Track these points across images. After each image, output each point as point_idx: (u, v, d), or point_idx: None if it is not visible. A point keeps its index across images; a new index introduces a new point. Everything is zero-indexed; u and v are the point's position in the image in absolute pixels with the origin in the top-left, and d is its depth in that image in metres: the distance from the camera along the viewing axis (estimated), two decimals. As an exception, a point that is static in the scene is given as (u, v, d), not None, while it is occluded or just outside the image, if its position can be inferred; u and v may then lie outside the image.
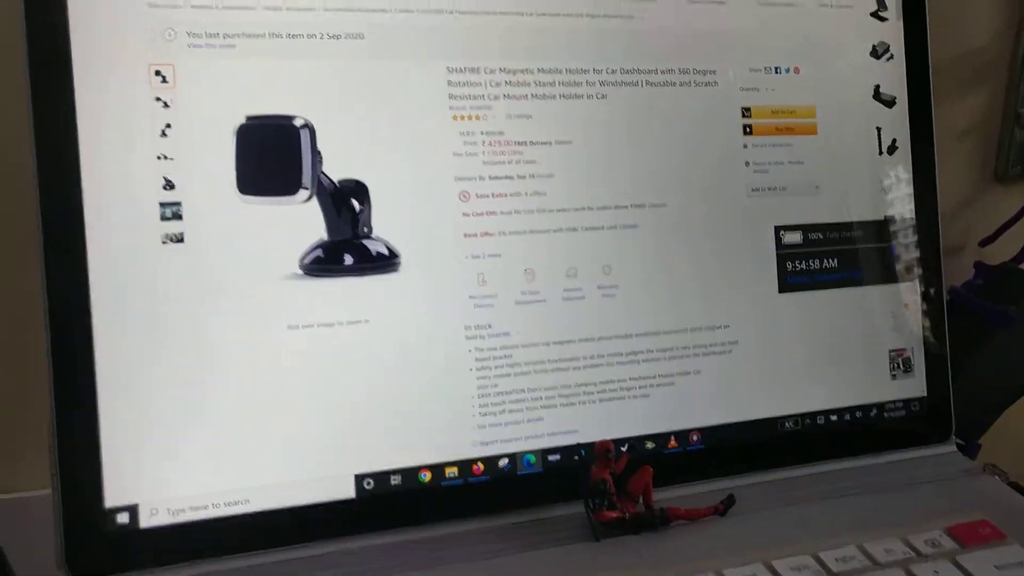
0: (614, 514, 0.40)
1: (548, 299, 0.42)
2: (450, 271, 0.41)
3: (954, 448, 0.49)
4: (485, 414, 0.41)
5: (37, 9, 0.36)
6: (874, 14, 0.48)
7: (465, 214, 0.41)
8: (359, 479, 0.40)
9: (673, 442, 0.44)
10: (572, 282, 0.43)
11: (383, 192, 0.40)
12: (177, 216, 0.37)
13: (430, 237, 0.41)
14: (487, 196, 0.41)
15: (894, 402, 0.48)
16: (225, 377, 0.38)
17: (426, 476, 0.41)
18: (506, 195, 0.42)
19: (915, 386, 0.49)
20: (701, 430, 0.45)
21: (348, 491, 0.40)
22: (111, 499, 0.36)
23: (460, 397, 0.41)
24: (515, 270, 0.42)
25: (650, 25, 0.44)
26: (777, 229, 0.46)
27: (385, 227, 0.40)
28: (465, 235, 0.41)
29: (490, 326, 0.41)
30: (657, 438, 0.44)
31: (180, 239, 0.37)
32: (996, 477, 0.46)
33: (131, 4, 0.37)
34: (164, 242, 0.37)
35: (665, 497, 0.43)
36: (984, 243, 0.63)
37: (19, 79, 0.35)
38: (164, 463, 0.37)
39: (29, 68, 0.35)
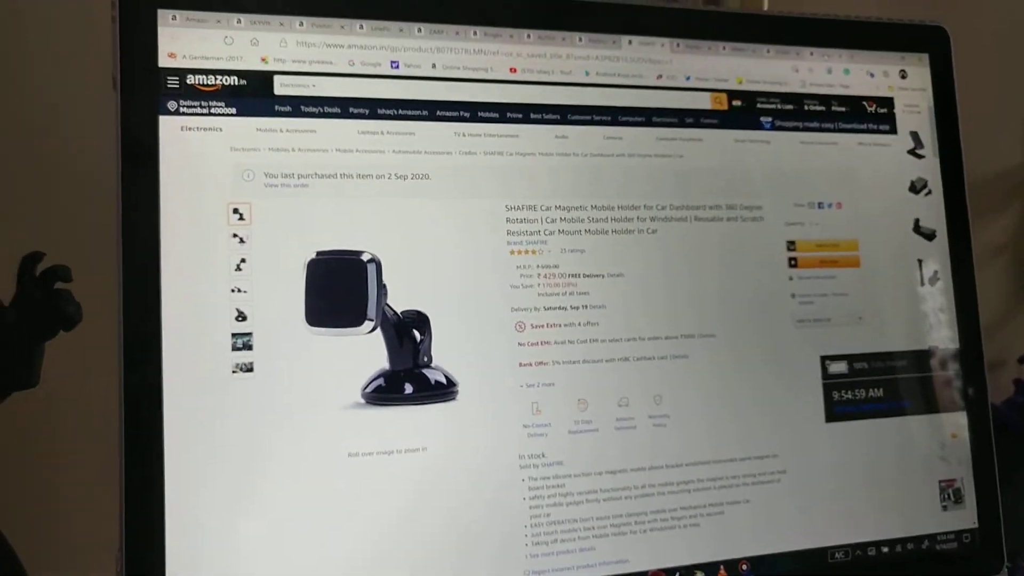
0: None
1: (600, 428, 0.43)
2: (505, 400, 0.42)
3: (1007, 578, 0.49)
4: (537, 543, 0.41)
5: (130, 145, 0.38)
6: (911, 151, 0.50)
7: (520, 344, 0.42)
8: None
9: (723, 572, 0.44)
10: (624, 411, 0.43)
11: (444, 323, 0.41)
12: (248, 347, 0.39)
13: (487, 366, 0.42)
14: (542, 326, 0.43)
15: (946, 533, 0.48)
16: (285, 502, 0.39)
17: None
18: (560, 325, 0.43)
19: (966, 517, 0.48)
20: (750, 560, 0.45)
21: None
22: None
23: (513, 525, 0.41)
24: (569, 399, 0.43)
25: (698, 164, 0.46)
26: (823, 359, 0.47)
27: (445, 357, 0.41)
28: (520, 364, 0.42)
29: (543, 455, 0.42)
30: (707, 567, 0.44)
31: (250, 368, 0.39)
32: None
33: (214, 146, 0.40)
34: (235, 371, 0.39)
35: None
36: (1023, 360, 0.64)
37: (111, 203, 0.38)
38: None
39: (121, 200, 0.38)
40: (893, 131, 0.50)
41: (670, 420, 0.44)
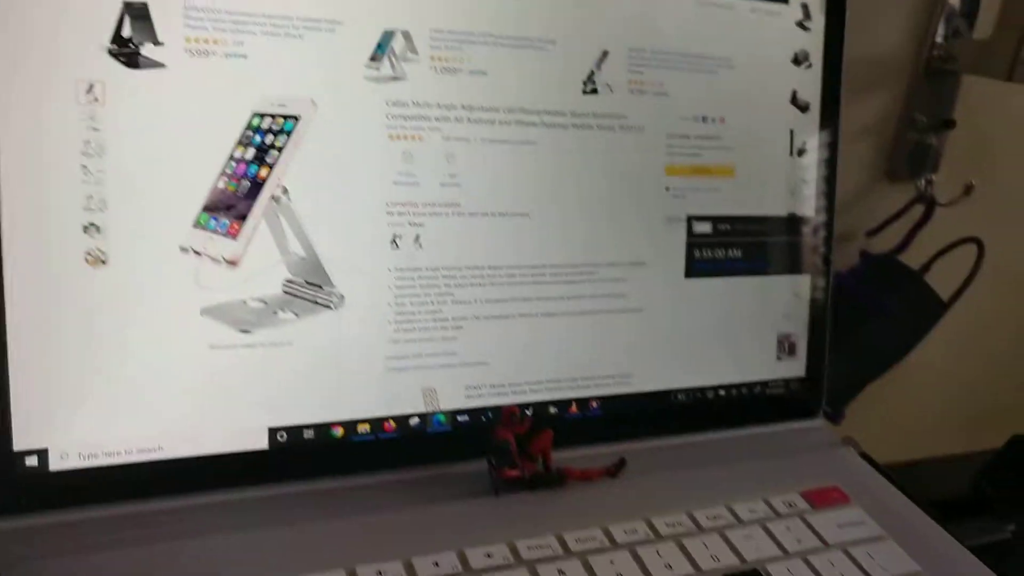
0: (515, 472, 0.43)
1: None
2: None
3: (821, 422, 0.55)
4: (398, 329, 0.44)
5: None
6: (799, 23, 0.51)
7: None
8: (273, 432, 0.42)
9: (574, 408, 0.48)
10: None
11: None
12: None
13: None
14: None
15: (776, 380, 0.53)
16: (139, 323, 0.39)
17: (338, 432, 0.43)
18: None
19: (796, 367, 0.54)
20: (601, 399, 0.49)
21: (261, 443, 0.42)
22: (20, 443, 0.38)
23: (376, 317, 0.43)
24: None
25: None
26: (690, 219, 0.49)
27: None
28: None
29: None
30: (560, 404, 0.48)
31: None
32: (851, 449, 0.52)
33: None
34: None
35: (563, 457, 0.47)
36: (870, 234, 0.69)
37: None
38: (75, 409, 0.39)
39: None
40: (785, 0, 0.50)
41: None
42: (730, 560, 0.41)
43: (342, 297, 0.42)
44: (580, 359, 0.48)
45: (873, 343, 0.66)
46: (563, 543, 0.40)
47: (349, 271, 0.42)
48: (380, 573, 0.37)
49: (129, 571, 0.36)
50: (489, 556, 0.39)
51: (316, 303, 0.42)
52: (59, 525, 0.38)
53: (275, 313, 0.42)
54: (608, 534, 0.41)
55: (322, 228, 0.42)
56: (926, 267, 0.66)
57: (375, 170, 0.43)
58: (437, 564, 0.38)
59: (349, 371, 0.43)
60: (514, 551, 0.39)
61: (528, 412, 0.47)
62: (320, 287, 0.42)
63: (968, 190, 0.63)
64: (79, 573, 0.36)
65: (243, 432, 0.41)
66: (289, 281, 0.42)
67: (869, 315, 0.65)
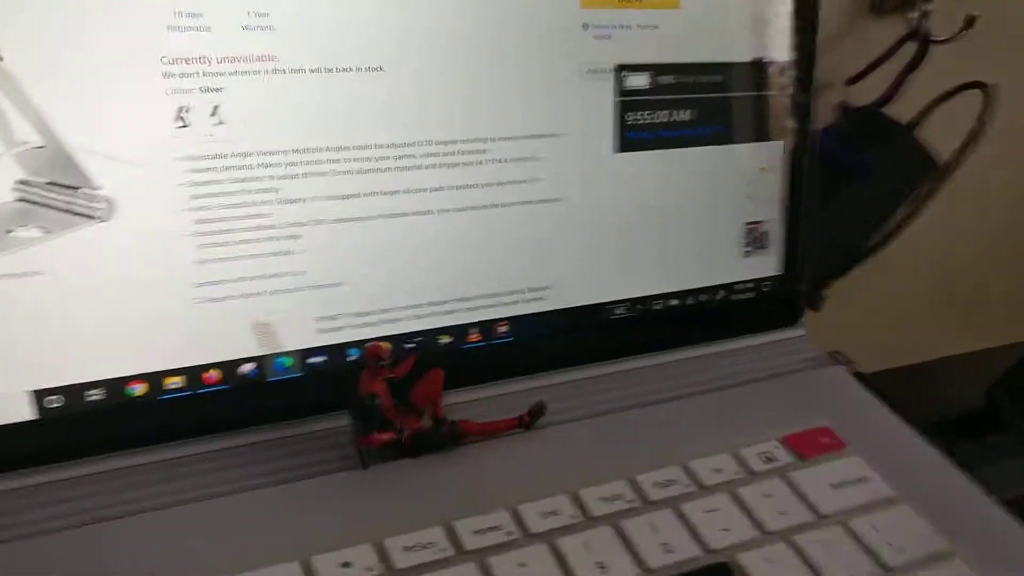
0: (386, 436, 0.31)
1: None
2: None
3: (802, 332, 0.43)
4: (204, 244, 0.31)
5: None
6: None
7: (175, 30, 0.29)
8: (39, 396, 0.29)
9: (476, 335, 0.36)
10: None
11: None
12: None
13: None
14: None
15: (744, 283, 0.41)
16: None
17: (139, 389, 0.31)
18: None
19: (768, 264, 0.42)
20: (509, 320, 0.36)
21: (24, 411, 0.29)
22: None
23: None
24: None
25: None
26: (619, 69, 0.36)
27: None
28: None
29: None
30: (454, 332, 0.36)
31: None
32: (842, 368, 0.41)
33: None
34: None
35: (461, 402, 0.35)
36: (851, 81, 0.55)
37: None
38: None
39: None
40: None
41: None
42: (689, 550, 0.29)
43: (110, 203, 0.29)
44: (478, 270, 0.35)
45: (855, 216, 0.54)
46: (454, 538, 0.28)
47: (116, 164, 0.29)
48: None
49: None
50: (347, 567, 0.27)
51: (71, 212, 0.29)
52: None
53: (8, 231, 0.28)
54: (518, 519, 0.29)
55: (64, 103, 0.28)
56: (918, 121, 0.53)
57: (137, 9, 0.29)
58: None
59: (139, 306, 0.30)
60: (383, 556, 0.28)
61: (410, 346, 0.34)
62: (75, 189, 0.29)
63: (970, 23, 0.50)
64: None
65: (-9, 402, 0.29)
66: (23, 183, 0.28)
67: (850, 182, 0.53)
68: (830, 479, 0.33)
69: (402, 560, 0.28)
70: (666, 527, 0.30)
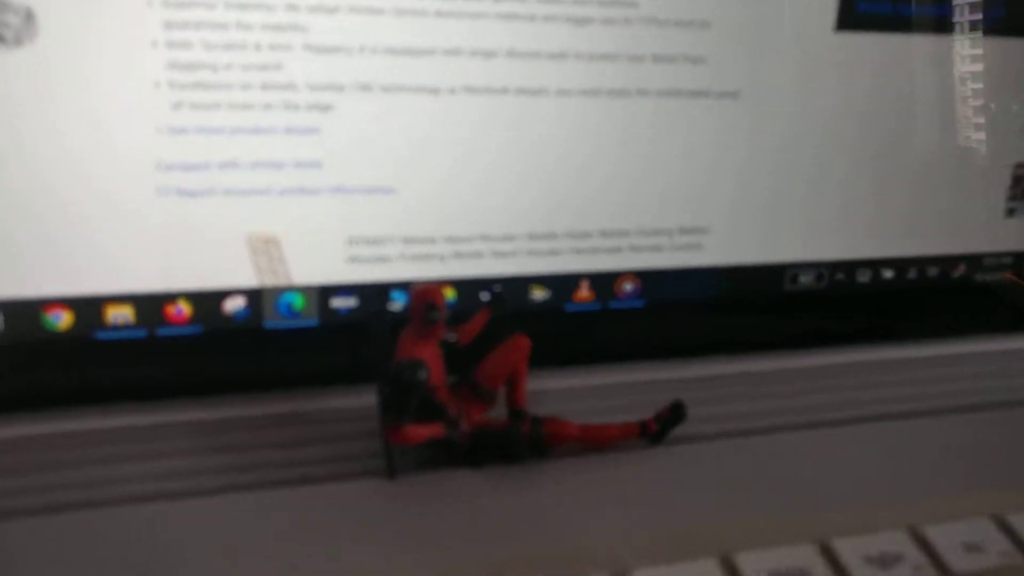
0: (431, 430, 0.20)
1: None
2: None
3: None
4: (180, 102, 0.20)
5: None
6: None
7: None
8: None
9: (588, 292, 0.24)
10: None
11: None
12: None
13: None
14: None
15: (1001, 255, 0.27)
16: None
17: (63, 319, 0.20)
18: None
19: (1041, 231, 0.28)
20: (642, 275, 0.24)
21: None
22: None
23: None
24: None
25: None
26: None
27: None
28: None
29: None
30: (557, 284, 0.23)
31: None
32: None
33: None
34: None
35: (554, 390, 0.23)
36: None
37: None
38: None
39: None
40: None
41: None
42: None
43: (30, 17, 0.19)
44: (601, 192, 0.23)
45: None
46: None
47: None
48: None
49: None
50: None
51: (-28, 34, 0.19)
52: None
53: None
54: (629, 584, 0.17)
55: None
56: None
57: None
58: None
59: (68, 190, 0.20)
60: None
61: (484, 299, 0.23)
62: (-14, -3, 0.19)
63: None
64: None
65: None
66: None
67: None
68: None
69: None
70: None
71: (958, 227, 0.27)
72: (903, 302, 0.27)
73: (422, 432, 0.19)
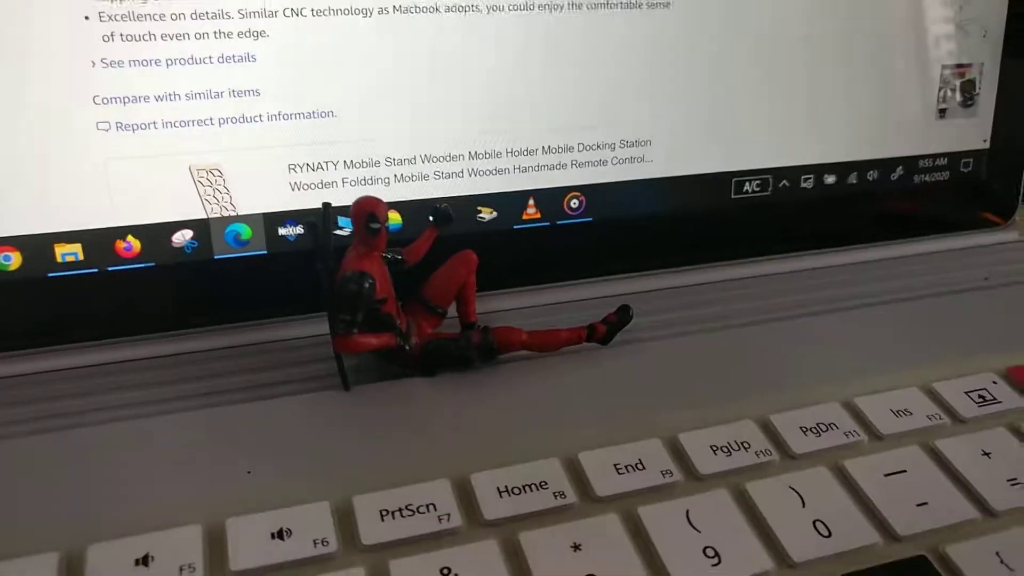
0: (377, 339, 0.20)
1: None
2: None
3: (1017, 235, 0.30)
4: (111, 33, 0.20)
5: None
6: None
7: None
8: None
9: (533, 209, 0.24)
10: None
11: None
12: None
13: None
14: None
15: (934, 156, 0.28)
16: None
17: (12, 260, 0.21)
18: None
19: (974, 131, 0.28)
20: (585, 190, 0.25)
21: None
22: None
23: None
24: None
25: None
26: None
27: None
28: None
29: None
30: (503, 201, 0.24)
31: None
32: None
33: None
34: None
35: (505, 310, 0.24)
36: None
37: None
38: None
39: None
40: None
41: None
42: (859, 535, 0.17)
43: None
44: (543, 105, 0.24)
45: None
46: (467, 501, 0.17)
47: None
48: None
49: None
50: (280, 537, 0.16)
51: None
52: None
53: None
54: (575, 472, 0.18)
55: None
56: None
57: None
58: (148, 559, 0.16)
59: (12, 124, 0.20)
60: (347, 523, 0.17)
61: (430, 219, 0.23)
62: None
63: None
64: None
65: None
66: None
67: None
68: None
69: (372, 534, 0.16)
70: (819, 497, 0.18)
71: (893, 130, 0.27)
72: (841, 205, 0.27)
73: (371, 341, 0.20)
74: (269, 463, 0.18)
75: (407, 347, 0.21)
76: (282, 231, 0.22)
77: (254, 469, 0.18)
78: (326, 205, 0.20)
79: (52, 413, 0.19)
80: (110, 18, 0.20)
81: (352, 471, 0.18)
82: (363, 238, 0.20)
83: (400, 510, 0.17)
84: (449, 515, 0.17)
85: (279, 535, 0.16)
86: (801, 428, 0.20)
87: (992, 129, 0.28)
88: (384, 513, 0.17)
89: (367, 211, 0.20)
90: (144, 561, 0.16)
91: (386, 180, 0.23)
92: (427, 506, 0.17)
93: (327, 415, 0.20)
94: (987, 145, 0.28)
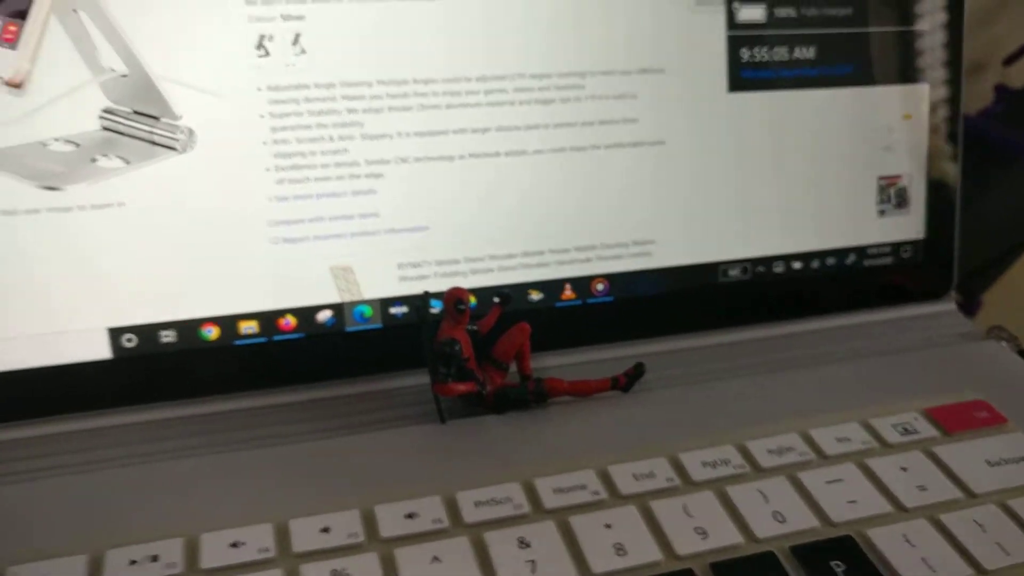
0: (465, 386, 0.29)
1: None
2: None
3: (953, 307, 0.38)
4: (283, 180, 0.29)
5: None
6: None
7: None
8: (115, 334, 0.29)
9: (569, 292, 0.33)
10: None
11: None
12: None
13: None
14: None
15: (879, 246, 0.36)
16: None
17: (212, 332, 0.30)
18: None
19: (910, 226, 0.37)
20: (608, 278, 0.33)
21: (101, 350, 0.29)
22: None
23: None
24: None
25: None
26: (729, 1, 0.33)
27: None
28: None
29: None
30: (546, 287, 0.33)
31: None
32: (1003, 344, 0.35)
33: None
34: None
35: (552, 366, 0.32)
36: (1009, 61, 0.49)
37: None
38: None
39: None
40: None
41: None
42: (804, 520, 0.25)
43: (191, 133, 0.28)
44: (574, 219, 0.32)
45: (1013, 204, 0.48)
46: (533, 496, 0.25)
47: (198, 94, 0.28)
48: (237, 544, 0.24)
49: None
50: (411, 517, 0.25)
51: (153, 143, 0.28)
52: None
53: (93, 160, 0.28)
54: (607, 479, 0.26)
55: (148, 28, 0.28)
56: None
57: (222, -67, 0.28)
58: (327, 530, 0.24)
59: (216, 244, 0.29)
60: (452, 509, 0.25)
61: (495, 300, 0.32)
62: (156, 119, 0.28)
63: None
64: None
65: (72, 336, 0.28)
66: (108, 112, 0.28)
67: (1009, 165, 0.47)
68: (986, 455, 0.28)
69: (472, 514, 0.25)
70: (779, 496, 0.26)
71: (845, 226, 0.36)
72: (806, 286, 0.36)
73: (459, 387, 0.29)
74: (392, 470, 0.27)
75: (483, 393, 0.29)
76: (393, 310, 0.31)
77: (385, 474, 0.26)
78: (426, 293, 0.29)
79: (248, 438, 0.28)
80: (283, 169, 0.29)
81: (452, 475, 0.26)
82: (452, 315, 0.29)
83: (487, 501, 0.25)
84: (521, 505, 0.25)
85: (409, 516, 0.25)
86: (768, 449, 0.28)
87: (925, 223, 0.37)
88: (478, 503, 0.25)
89: (455, 297, 0.29)
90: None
91: (464, 273, 0.32)
92: (505, 499, 0.25)
93: (431, 439, 0.28)
94: (923, 236, 0.37)
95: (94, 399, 0.29)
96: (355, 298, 0.31)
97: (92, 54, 0.27)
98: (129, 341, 0.29)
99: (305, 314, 0.30)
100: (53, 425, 0.29)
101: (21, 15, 0.27)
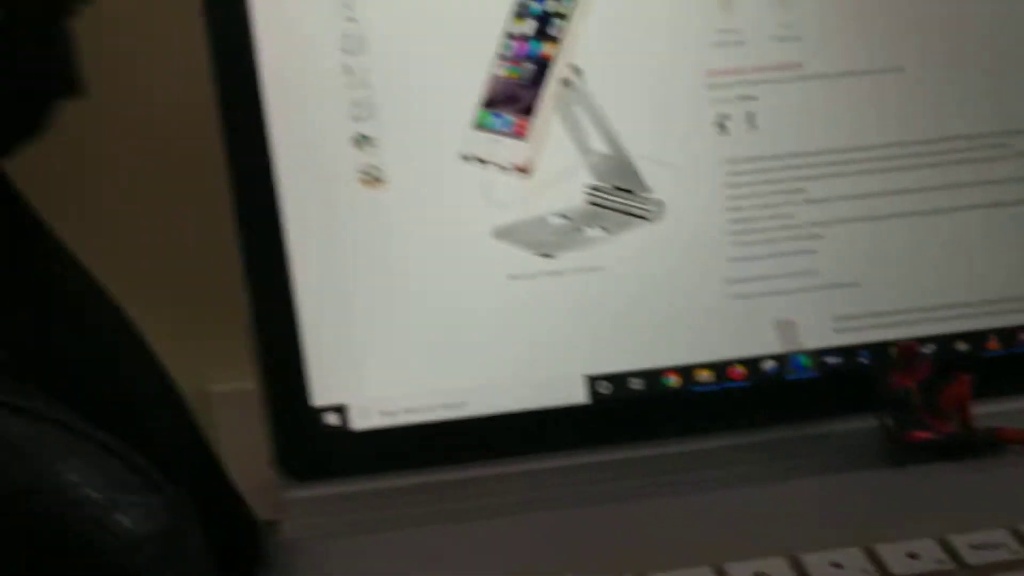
0: (926, 434, 0.31)
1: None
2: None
3: None
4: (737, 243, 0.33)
5: None
6: None
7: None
8: (592, 381, 0.33)
9: (994, 343, 0.34)
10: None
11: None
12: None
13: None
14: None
15: None
16: (427, 252, 0.32)
17: (673, 380, 0.33)
18: None
19: None
20: None
21: (579, 396, 0.33)
22: (319, 398, 0.32)
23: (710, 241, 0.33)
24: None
25: None
26: None
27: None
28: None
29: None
30: (972, 338, 0.34)
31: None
32: None
33: None
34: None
35: (982, 414, 0.33)
36: None
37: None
38: (366, 356, 0.32)
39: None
40: None
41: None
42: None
43: (661, 204, 0.32)
44: (999, 272, 0.34)
45: None
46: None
47: (666, 169, 0.32)
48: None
49: (428, 553, 0.29)
50: (913, 558, 0.27)
51: (629, 214, 0.33)
52: (359, 494, 0.32)
53: (580, 230, 0.33)
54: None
55: (627, 115, 0.32)
56: None
57: (687, 29, 0.32)
58: (840, 566, 0.26)
59: (679, 301, 0.33)
60: (949, 550, 0.27)
61: (925, 351, 0.33)
62: (632, 193, 0.33)
63: None
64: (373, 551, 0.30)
65: (555, 383, 0.33)
66: (594, 189, 0.33)
67: None
68: None
69: (971, 557, 0.26)
70: None
71: None
72: None
73: (922, 435, 0.30)
74: (862, 510, 0.29)
75: (937, 439, 0.31)
76: (827, 359, 0.33)
77: (855, 515, 0.29)
78: (886, 344, 0.32)
79: (669, 482, 0.31)
80: (736, 232, 0.32)
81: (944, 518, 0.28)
82: (904, 365, 0.31)
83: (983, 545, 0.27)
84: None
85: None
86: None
87: None
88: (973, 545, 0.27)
89: (908, 351, 0.31)
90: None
91: (893, 325, 0.33)
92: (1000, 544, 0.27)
93: (890, 484, 0.30)
94: None
95: (570, 439, 0.33)
96: (795, 349, 0.33)
97: (583, 140, 0.32)
98: (603, 387, 0.33)
99: (752, 363, 0.33)
100: (533, 461, 0.33)
101: (529, 111, 0.32)
